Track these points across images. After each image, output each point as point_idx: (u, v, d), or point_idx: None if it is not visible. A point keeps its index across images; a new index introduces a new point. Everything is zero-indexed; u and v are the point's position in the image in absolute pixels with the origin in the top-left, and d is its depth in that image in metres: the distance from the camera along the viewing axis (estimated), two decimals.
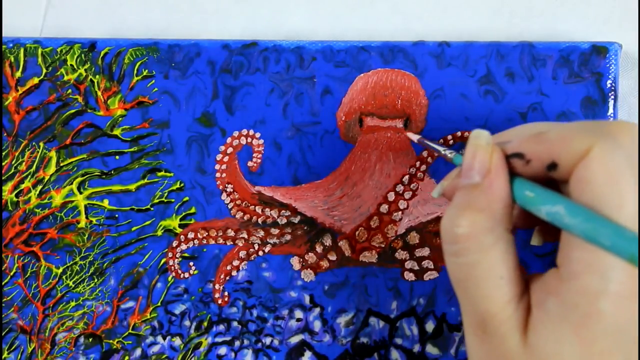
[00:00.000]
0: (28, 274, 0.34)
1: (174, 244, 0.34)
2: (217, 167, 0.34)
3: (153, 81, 0.34)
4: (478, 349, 0.23)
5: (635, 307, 0.20)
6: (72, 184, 0.34)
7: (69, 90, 0.34)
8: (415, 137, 0.30)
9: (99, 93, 0.34)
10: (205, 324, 0.34)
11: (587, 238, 0.19)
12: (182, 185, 0.34)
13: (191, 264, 0.34)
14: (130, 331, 0.34)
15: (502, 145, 0.23)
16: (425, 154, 0.33)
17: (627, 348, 0.20)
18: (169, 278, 0.34)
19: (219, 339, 0.34)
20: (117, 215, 0.34)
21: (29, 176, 0.34)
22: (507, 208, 0.22)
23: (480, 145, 0.23)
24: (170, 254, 0.34)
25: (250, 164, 0.34)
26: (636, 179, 0.20)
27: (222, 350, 0.34)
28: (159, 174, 0.34)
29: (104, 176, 0.34)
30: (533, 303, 0.22)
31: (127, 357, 0.34)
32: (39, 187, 0.34)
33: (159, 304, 0.34)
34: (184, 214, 0.34)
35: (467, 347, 0.23)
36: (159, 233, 0.34)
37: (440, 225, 0.23)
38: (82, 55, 0.34)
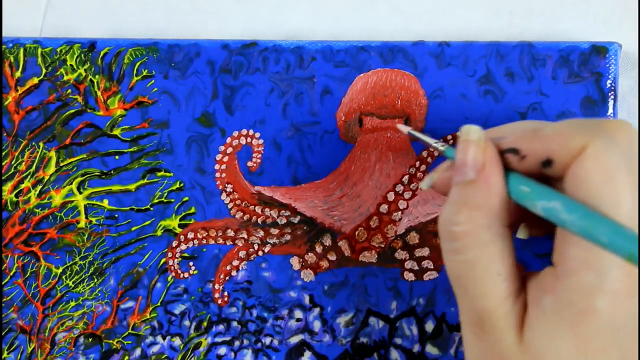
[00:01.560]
0: (28, 274, 0.34)
1: (174, 244, 0.34)
2: (216, 167, 0.34)
3: (153, 81, 0.34)
4: (475, 346, 0.22)
5: (632, 305, 0.20)
6: (71, 184, 0.34)
7: (69, 90, 0.34)
8: (405, 129, 0.30)
9: (99, 93, 0.34)
10: (205, 324, 0.34)
11: (584, 235, 0.19)
12: (181, 185, 0.34)
13: (191, 264, 0.34)
14: (130, 331, 0.34)
15: (497, 140, 0.23)
16: (425, 154, 0.33)
17: (623, 346, 0.20)
18: (169, 278, 0.34)
19: (218, 339, 0.34)
20: (116, 215, 0.34)
21: (29, 176, 0.34)
22: (504, 203, 0.22)
23: (472, 140, 0.22)
24: (170, 254, 0.34)
25: (250, 164, 0.34)
26: (633, 177, 0.20)
27: (222, 350, 0.34)
28: (159, 174, 0.34)
29: (103, 176, 0.34)
30: (529, 300, 0.22)
31: (126, 357, 0.34)
32: (39, 187, 0.34)
33: (158, 304, 0.34)
34: (183, 214, 0.34)
35: (465, 345, 0.23)
36: (159, 233, 0.34)
37: (438, 223, 0.22)
38: (82, 55, 0.34)
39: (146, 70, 0.34)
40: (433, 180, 0.25)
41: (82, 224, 0.34)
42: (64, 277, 0.34)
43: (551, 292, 0.21)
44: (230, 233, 0.34)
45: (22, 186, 0.34)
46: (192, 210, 0.34)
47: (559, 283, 0.21)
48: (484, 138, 0.22)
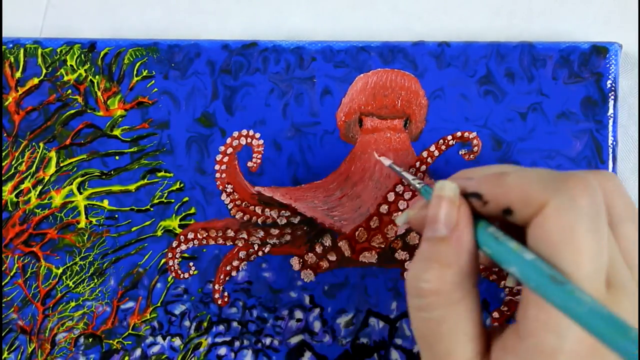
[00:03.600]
0: (28, 274, 0.34)
1: (174, 244, 0.34)
2: (216, 167, 0.34)
3: (153, 81, 0.34)
4: None
5: None
6: (72, 184, 0.34)
7: (69, 91, 0.34)
8: (387, 162, 0.30)
9: (99, 93, 0.34)
10: (205, 324, 0.34)
11: (541, 296, 0.19)
12: (182, 185, 0.34)
13: (191, 264, 0.34)
14: (130, 331, 0.34)
15: (463, 183, 0.23)
16: (425, 154, 0.33)
17: None
18: (169, 278, 0.34)
19: (218, 340, 0.34)
20: (117, 216, 0.34)
21: (29, 176, 0.34)
22: (474, 262, 0.22)
23: (447, 197, 0.22)
24: (170, 254, 0.34)
25: (250, 164, 0.34)
26: (595, 237, 0.19)
27: (222, 351, 0.34)
28: (159, 174, 0.34)
29: (103, 176, 0.34)
30: None
31: (127, 358, 0.34)
32: (39, 188, 0.34)
33: (158, 304, 0.34)
34: (183, 214, 0.34)
35: None
36: (159, 233, 0.34)
37: (406, 278, 0.22)
38: (82, 55, 0.34)
39: (146, 71, 0.34)
40: (409, 217, 0.25)
41: (82, 225, 0.34)
42: (64, 277, 0.34)
43: (513, 353, 0.21)
44: (231, 233, 0.34)
45: (23, 186, 0.34)
46: (192, 210, 0.34)
47: (521, 344, 0.20)
48: (458, 195, 0.22)
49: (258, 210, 0.34)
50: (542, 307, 0.20)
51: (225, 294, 0.34)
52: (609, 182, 0.22)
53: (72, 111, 0.34)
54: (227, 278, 0.34)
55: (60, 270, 0.34)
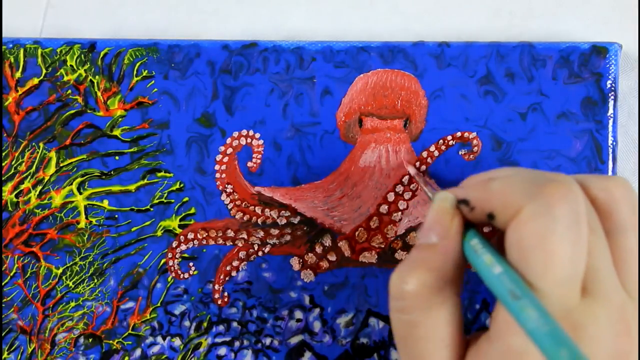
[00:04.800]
0: (28, 275, 0.34)
1: (174, 244, 0.34)
2: (216, 167, 0.34)
3: (153, 82, 0.34)
4: None
5: None
6: (72, 184, 0.34)
7: (69, 91, 0.34)
8: (412, 171, 0.31)
9: (99, 93, 0.34)
10: (205, 324, 0.34)
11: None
12: (181, 185, 0.34)
13: (191, 264, 0.34)
14: (130, 331, 0.34)
15: (456, 190, 0.23)
16: (425, 154, 0.33)
17: None
18: (169, 278, 0.34)
19: (218, 340, 0.34)
20: (116, 216, 0.34)
21: (29, 177, 0.34)
22: (458, 271, 0.22)
23: (445, 208, 0.23)
24: (170, 255, 0.34)
25: (250, 164, 0.34)
26: (568, 246, 0.19)
27: (222, 351, 0.34)
28: (159, 174, 0.34)
29: (103, 177, 0.34)
30: None
31: (127, 358, 0.34)
32: (39, 188, 0.34)
33: (158, 304, 0.34)
34: (183, 214, 0.34)
35: None
36: (159, 233, 0.34)
37: (389, 280, 0.22)
38: (82, 55, 0.34)
39: (146, 71, 0.34)
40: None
41: (82, 225, 0.34)
42: (64, 277, 0.34)
43: (484, 357, 0.21)
44: (230, 233, 0.34)
45: (22, 187, 0.34)
46: (192, 210, 0.34)
47: (491, 347, 0.20)
48: (454, 206, 0.23)
49: (258, 210, 0.34)
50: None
51: (225, 294, 0.34)
52: (618, 188, 0.22)
53: (72, 111, 0.34)
54: (227, 278, 0.34)
55: (60, 271, 0.34)
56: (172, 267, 0.34)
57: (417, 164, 0.33)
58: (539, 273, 0.19)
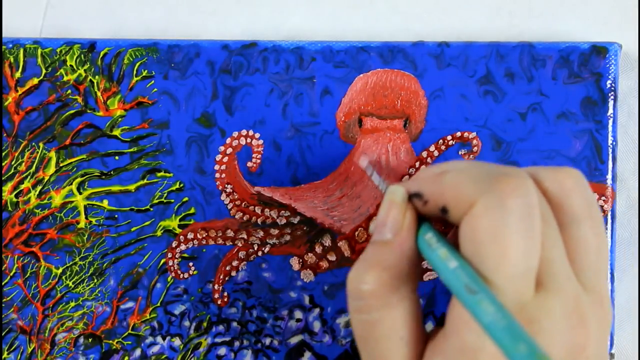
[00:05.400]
0: (28, 275, 0.34)
1: (174, 244, 0.34)
2: (216, 167, 0.34)
3: (152, 81, 0.34)
4: None
5: None
6: (71, 184, 0.34)
7: (69, 91, 0.34)
8: (364, 163, 0.29)
9: (99, 93, 0.34)
10: (205, 324, 0.34)
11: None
12: (181, 185, 0.34)
13: (191, 264, 0.34)
14: (129, 331, 0.34)
15: (408, 184, 0.23)
16: (424, 154, 0.33)
17: None
18: (169, 278, 0.34)
19: (218, 340, 0.34)
20: (116, 216, 0.34)
21: (29, 176, 0.34)
22: (414, 267, 0.22)
23: (395, 202, 0.22)
24: (169, 255, 0.34)
25: (249, 164, 0.34)
26: (520, 240, 0.19)
27: (222, 351, 0.34)
28: (159, 174, 0.34)
29: (103, 177, 0.34)
30: None
31: (126, 358, 0.34)
32: (39, 188, 0.34)
33: (158, 304, 0.34)
34: (183, 214, 0.34)
35: None
36: (159, 233, 0.34)
37: (347, 279, 0.22)
38: (82, 55, 0.34)
39: (146, 71, 0.34)
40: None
41: (82, 225, 0.34)
42: (64, 277, 0.34)
43: (441, 354, 0.21)
44: (230, 233, 0.34)
45: (22, 186, 0.34)
46: (192, 210, 0.34)
47: (446, 343, 0.20)
48: (405, 200, 0.22)
49: (258, 210, 0.34)
50: (464, 307, 0.20)
51: (225, 294, 0.34)
52: (568, 179, 0.22)
53: (72, 111, 0.34)
54: (226, 278, 0.34)
55: (60, 270, 0.34)
56: (172, 267, 0.34)
57: (417, 164, 0.33)
58: (493, 267, 0.19)
